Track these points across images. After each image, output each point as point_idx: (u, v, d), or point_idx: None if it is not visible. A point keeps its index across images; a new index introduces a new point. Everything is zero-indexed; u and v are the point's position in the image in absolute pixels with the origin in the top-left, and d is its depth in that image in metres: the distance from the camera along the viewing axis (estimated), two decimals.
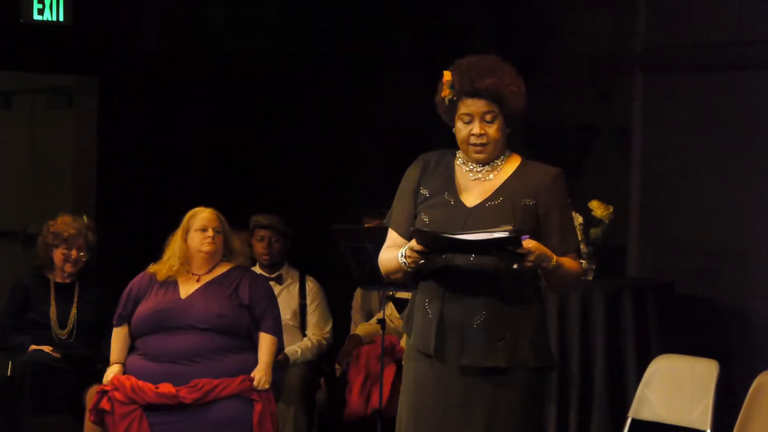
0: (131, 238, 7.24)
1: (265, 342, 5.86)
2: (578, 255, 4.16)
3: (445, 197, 4.12)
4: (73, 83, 8.06)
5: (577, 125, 6.99)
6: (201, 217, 5.96)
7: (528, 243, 3.91)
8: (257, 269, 6.71)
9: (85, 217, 6.58)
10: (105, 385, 5.81)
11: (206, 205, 6.07)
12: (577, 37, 7.01)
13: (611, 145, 6.85)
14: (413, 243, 3.99)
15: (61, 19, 7.11)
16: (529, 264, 3.92)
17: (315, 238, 7.04)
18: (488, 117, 4.07)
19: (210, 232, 5.92)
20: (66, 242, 6.43)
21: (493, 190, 4.10)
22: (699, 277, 6.29)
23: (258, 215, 6.92)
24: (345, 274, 5.93)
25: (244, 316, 5.84)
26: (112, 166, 7.82)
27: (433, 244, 3.96)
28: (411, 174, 4.23)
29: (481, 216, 4.05)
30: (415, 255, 3.99)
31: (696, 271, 6.30)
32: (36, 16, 7.07)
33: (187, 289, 5.88)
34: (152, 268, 5.98)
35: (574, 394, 5.70)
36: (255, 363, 5.80)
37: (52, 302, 6.45)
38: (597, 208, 5.95)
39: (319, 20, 8.06)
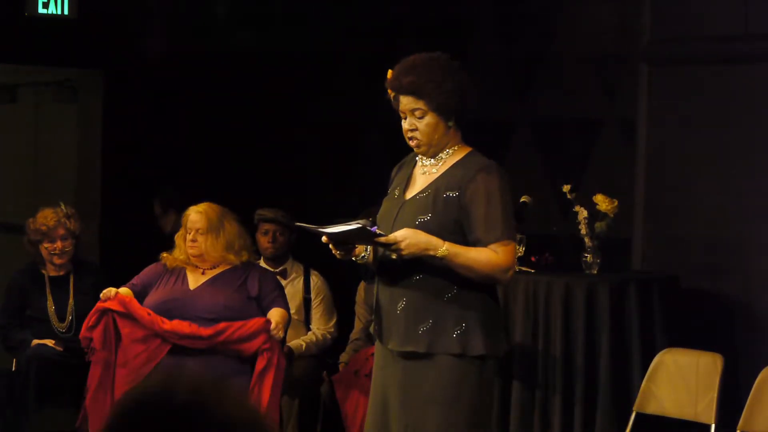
0: (135, 231, 7.25)
1: (277, 311, 5.85)
2: (506, 246, 4.14)
3: (396, 191, 4.32)
4: (77, 77, 8.06)
5: (583, 119, 6.99)
6: (189, 219, 5.92)
7: (399, 234, 4.05)
8: (261, 263, 6.71)
9: (62, 205, 6.53)
10: (104, 302, 5.71)
11: (211, 199, 6.05)
12: (583, 31, 7.00)
13: (617, 138, 6.85)
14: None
15: (66, 12, 7.13)
16: (404, 253, 4.05)
17: None
18: (417, 113, 4.21)
19: (191, 235, 5.88)
20: (47, 236, 6.40)
21: (427, 183, 4.25)
22: (704, 270, 6.27)
23: (262, 209, 6.92)
24: (349, 268, 5.92)
25: (251, 308, 5.83)
26: (116, 158, 7.82)
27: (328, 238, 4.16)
28: (392, 173, 4.46)
29: (408, 208, 4.22)
30: (332, 247, 4.20)
31: (701, 265, 6.29)
32: (41, 10, 7.09)
33: (195, 280, 5.88)
34: (164, 258, 5.96)
35: (578, 388, 5.69)
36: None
37: (49, 297, 6.44)
38: (602, 202, 5.94)
39: (324, 17, 8.05)
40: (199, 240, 5.88)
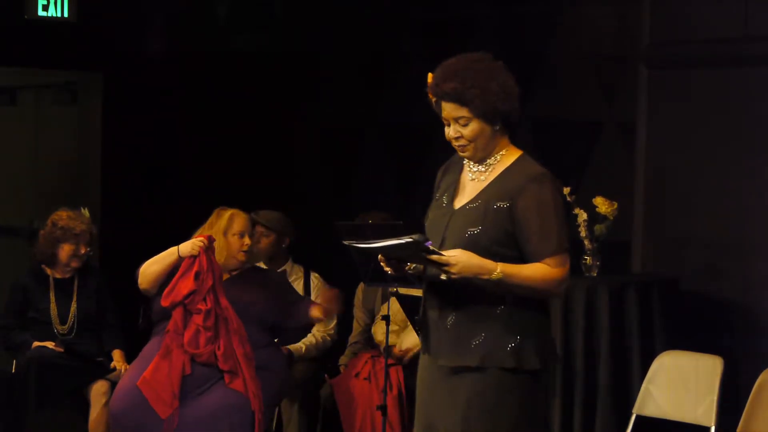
0: (135, 233, 7.25)
1: None
2: (561, 259, 3.99)
3: (444, 199, 4.14)
4: (77, 79, 8.06)
5: (582, 121, 6.99)
6: (239, 222, 5.94)
7: (453, 256, 3.87)
8: (262, 265, 6.71)
9: (85, 211, 6.56)
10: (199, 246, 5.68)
11: (210, 200, 6.06)
12: (582, 33, 7.00)
13: (616, 141, 6.85)
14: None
15: (66, 15, 7.13)
16: (455, 276, 3.88)
17: (320, 233, 7.02)
18: (462, 121, 4.01)
19: (246, 240, 5.93)
20: (77, 238, 6.42)
21: (477, 192, 4.07)
22: (703, 273, 6.28)
23: (257, 212, 6.89)
24: (349, 270, 5.93)
25: (271, 308, 5.88)
26: (116, 161, 7.83)
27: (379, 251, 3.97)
28: (437, 176, 4.26)
29: (459, 219, 4.04)
30: (383, 263, 4.03)
31: (701, 267, 6.30)
32: (41, 12, 7.09)
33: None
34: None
35: (578, 390, 5.70)
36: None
37: (52, 299, 6.44)
38: (601, 204, 5.95)
39: (323, 17, 8.05)
40: (250, 244, 5.97)
